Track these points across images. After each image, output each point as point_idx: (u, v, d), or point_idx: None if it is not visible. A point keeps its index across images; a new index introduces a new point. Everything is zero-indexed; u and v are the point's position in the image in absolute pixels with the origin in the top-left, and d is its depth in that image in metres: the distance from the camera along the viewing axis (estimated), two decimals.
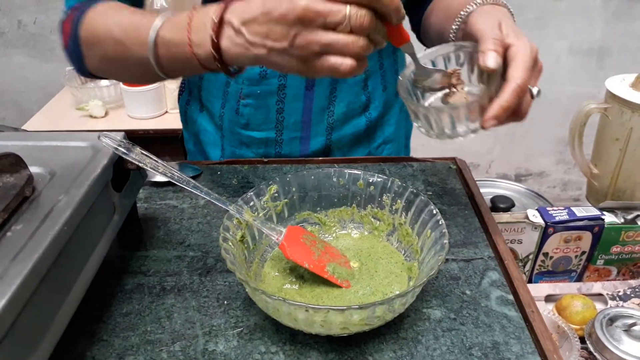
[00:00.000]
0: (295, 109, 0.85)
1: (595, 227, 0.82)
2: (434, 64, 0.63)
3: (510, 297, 0.60)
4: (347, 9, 0.48)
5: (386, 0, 0.48)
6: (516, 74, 0.54)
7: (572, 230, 0.83)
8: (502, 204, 1.13)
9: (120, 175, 0.61)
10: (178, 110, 1.70)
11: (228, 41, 0.53)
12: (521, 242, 0.84)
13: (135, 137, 0.59)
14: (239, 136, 0.89)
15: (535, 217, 0.83)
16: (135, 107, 1.69)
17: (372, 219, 0.67)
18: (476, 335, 0.55)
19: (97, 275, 0.55)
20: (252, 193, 0.62)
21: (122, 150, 0.57)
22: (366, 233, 0.68)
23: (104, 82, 1.81)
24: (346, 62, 0.50)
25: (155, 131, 1.63)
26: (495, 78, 0.56)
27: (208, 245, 0.68)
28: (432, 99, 0.64)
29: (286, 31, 0.49)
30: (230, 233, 0.57)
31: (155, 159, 0.58)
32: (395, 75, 0.93)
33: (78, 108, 1.71)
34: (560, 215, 0.83)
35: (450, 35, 0.67)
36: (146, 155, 0.58)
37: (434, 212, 0.58)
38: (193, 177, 0.76)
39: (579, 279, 0.89)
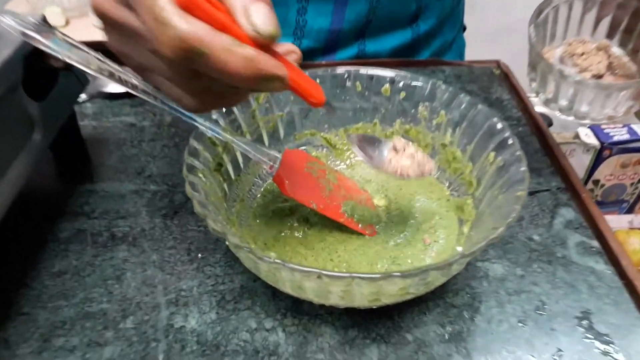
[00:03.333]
0: (322, 11, 0.66)
1: None
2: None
3: (595, 243, 0.44)
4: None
5: None
6: None
7: (632, 153, 0.70)
8: None
9: (41, 76, 0.42)
10: None
11: None
12: None
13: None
14: None
15: (588, 136, 0.70)
16: None
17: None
18: (556, 300, 0.39)
19: (16, 218, 0.41)
20: None
21: (35, 36, 0.38)
22: None
23: None
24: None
25: None
26: None
27: (176, 176, 0.51)
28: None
29: None
30: (201, 159, 0.39)
31: (96, 54, 0.39)
32: None
33: None
34: (620, 134, 0.70)
35: None
36: (76, 47, 0.39)
37: (499, 126, 0.40)
38: None
39: (630, 210, 0.78)
